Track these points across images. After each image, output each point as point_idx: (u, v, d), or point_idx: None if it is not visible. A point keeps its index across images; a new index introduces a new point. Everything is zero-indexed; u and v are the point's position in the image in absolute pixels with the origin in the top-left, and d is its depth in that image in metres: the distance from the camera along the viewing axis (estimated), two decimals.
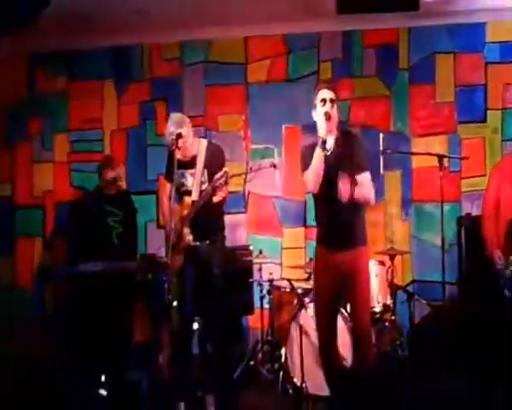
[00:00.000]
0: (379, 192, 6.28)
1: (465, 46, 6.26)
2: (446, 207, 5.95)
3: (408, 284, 6.08)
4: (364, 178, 4.08)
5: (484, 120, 6.26)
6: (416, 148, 6.25)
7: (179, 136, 4.47)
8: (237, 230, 6.42)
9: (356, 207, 4.07)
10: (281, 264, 6.34)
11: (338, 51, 6.44)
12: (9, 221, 6.68)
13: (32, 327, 5.68)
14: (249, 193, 6.48)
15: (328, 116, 3.99)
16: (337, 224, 4.04)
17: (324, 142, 3.98)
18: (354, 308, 4.10)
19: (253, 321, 5.95)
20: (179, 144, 4.46)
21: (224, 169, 4.42)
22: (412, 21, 6.15)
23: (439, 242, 5.53)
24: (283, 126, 6.44)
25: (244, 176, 6.06)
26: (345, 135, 4.21)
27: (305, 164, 4.12)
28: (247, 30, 6.42)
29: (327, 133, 4.00)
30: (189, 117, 6.22)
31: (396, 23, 6.22)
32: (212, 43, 6.57)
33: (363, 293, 4.09)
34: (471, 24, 6.20)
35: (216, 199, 4.50)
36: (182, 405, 4.35)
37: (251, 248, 5.90)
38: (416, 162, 6.24)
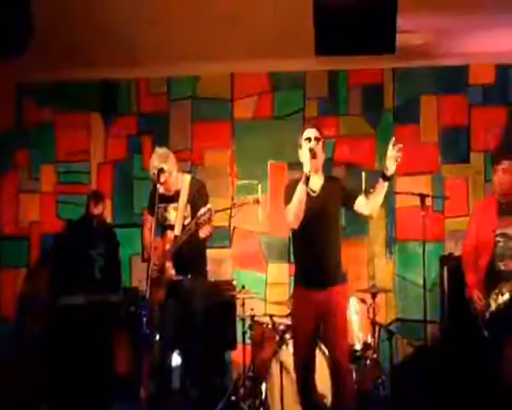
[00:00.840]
0: (363, 230, 6.37)
1: (448, 88, 6.38)
2: (430, 246, 6.03)
3: (391, 323, 6.10)
4: (360, 201, 4.16)
5: (467, 161, 6.35)
6: (400, 187, 6.29)
7: (161, 170, 4.51)
8: (222, 264, 6.43)
9: (333, 245, 4.11)
10: (265, 299, 6.34)
11: (323, 90, 6.54)
12: None
13: (15, 358, 5.63)
14: (234, 228, 6.50)
15: (313, 154, 4.05)
16: (314, 263, 4.07)
17: (308, 178, 4.01)
18: (332, 346, 4.09)
19: (236, 356, 5.93)
20: (161, 179, 4.49)
21: (208, 206, 4.44)
22: (397, 62, 6.26)
23: (421, 280, 5.60)
24: (269, 163, 6.50)
25: (229, 211, 6.14)
26: (330, 179, 4.30)
27: (288, 198, 4.16)
28: (233, 66, 6.48)
29: (312, 170, 4.04)
30: (175, 151, 6.30)
31: (381, 64, 6.32)
32: (198, 78, 6.65)
33: (341, 331, 4.10)
34: (454, 66, 6.32)
35: (202, 235, 4.52)
36: None
37: (234, 283, 5.92)
38: (400, 201, 6.30)
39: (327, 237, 4.13)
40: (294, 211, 4.06)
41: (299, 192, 4.03)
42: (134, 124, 6.69)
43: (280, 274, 6.41)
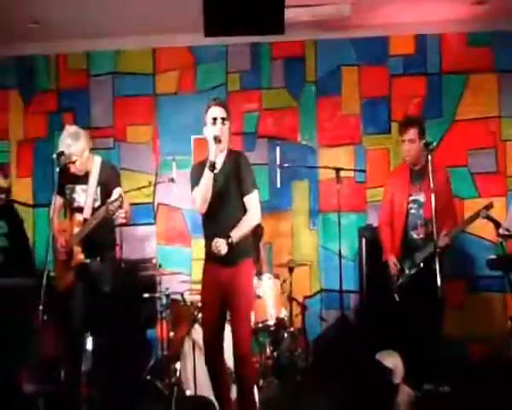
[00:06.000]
0: (286, 202, 6.39)
1: (369, 59, 6.38)
2: (353, 217, 6.14)
3: (314, 294, 6.20)
4: (252, 198, 4.11)
5: (388, 132, 6.38)
6: (322, 159, 6.34)
7: (62, 154, 4.38)
8: (147, 241, 6.39)
9: (235, 220, 4.08)
10: (190, 275, 6.33)
11: (246, 63, 6.48)
12: None
13: None
14: (158, 205, 6.47)
15: (218, 140, 4.00)
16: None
17: (213, 164, 3.98)
18: (235, 327, 4.02)
19: (156, 334, 5.94)
20: (61, 161, 4.37)
21: (119, 192, 4.36)
22: (318, 34, 6.25)
23: (344, 251, 5.69)
24: (192, 138, 6.45)
25: (152, 188, 6.12)
26: (233, 154, 4.22)
27: (194, 182, 4.12)
28: (155, 41, 6.41)
29: (216, 155, 4.01)
30: (97, 128, 6.28)
31: (302, 36, 6.30)
32: (119, 53, 6.53)
33: (244, 307, 4.05)
34: (374, 37, 6.31)
35: (120, 221, 4.46)
36: None
37: (154, 261, 5.90)
38: (323, 174, 6.32)
39: (229, 213, 4.08)
40: (202, 197, 4.02)
41: (206, 179, 3.99)
42: (54, 101, 6.56)
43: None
